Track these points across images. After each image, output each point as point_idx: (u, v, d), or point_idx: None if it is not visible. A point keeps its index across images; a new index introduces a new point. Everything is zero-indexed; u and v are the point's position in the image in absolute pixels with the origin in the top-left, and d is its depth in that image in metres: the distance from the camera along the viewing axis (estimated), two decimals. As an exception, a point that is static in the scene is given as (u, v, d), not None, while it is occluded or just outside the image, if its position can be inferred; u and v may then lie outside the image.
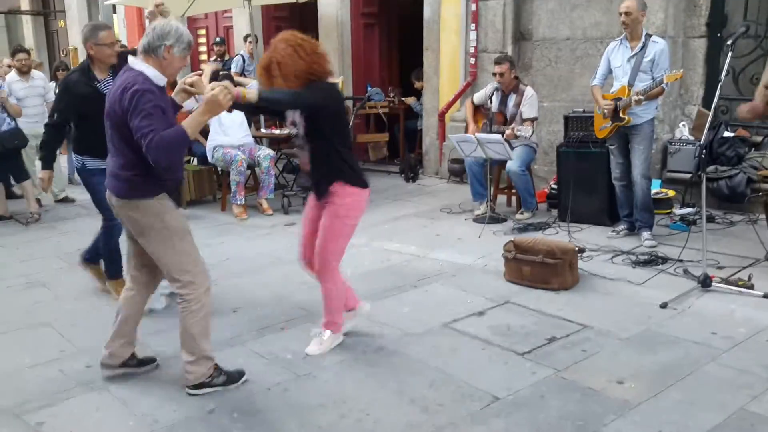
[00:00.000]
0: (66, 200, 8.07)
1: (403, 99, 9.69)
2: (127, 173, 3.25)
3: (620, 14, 5.35)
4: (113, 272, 4.76)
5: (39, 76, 7.89)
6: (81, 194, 5.38)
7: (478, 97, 6.82)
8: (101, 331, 4.19)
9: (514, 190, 6.71)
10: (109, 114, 3.21)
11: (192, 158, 8.12)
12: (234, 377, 3.49)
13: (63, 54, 7.79)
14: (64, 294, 4.95)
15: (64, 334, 4.23)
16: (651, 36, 5.43)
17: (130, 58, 3.26)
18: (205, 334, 3.42)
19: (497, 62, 6.48)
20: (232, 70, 8.90)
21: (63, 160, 8.72)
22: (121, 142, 3.21)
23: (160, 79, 3.21)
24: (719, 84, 4.47)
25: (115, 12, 13.14)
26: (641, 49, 5.37)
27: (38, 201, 7.56)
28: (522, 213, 6.46)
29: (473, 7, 7.89)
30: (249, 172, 7.34)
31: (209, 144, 7.24)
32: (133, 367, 3.67)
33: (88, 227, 4.75)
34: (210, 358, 3.44)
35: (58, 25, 16.64)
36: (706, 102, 6.52)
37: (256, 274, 5.32)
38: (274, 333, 4.14)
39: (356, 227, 3.79)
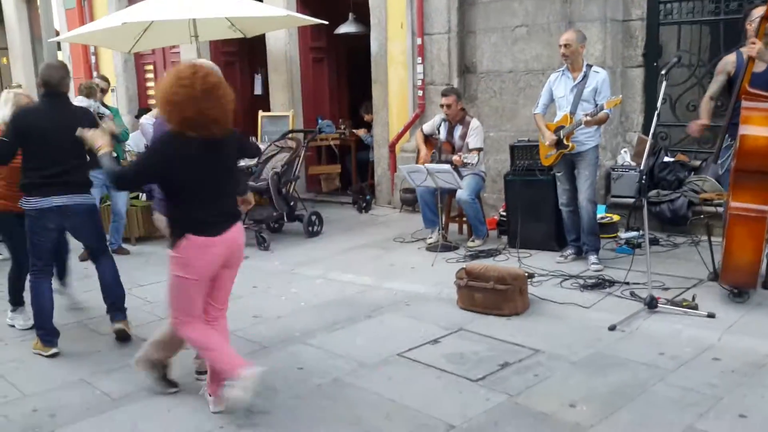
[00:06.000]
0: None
1: (353, 131, 9.78)
2: None
3: (560, 46, 5.54)
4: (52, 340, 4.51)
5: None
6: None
7: (427, 127, 6.95)
8: (47, 375, 4.10)
9: (464, 218, 6.81)
10: None
11: (140, 194, 8.00)
12: None
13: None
14: (7, 338, 4.80)
15: (9, 378, 4.09)
16: (592, 66, 5.62)
17: None
18: None
19: (444, 94, 6.62)
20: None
21: None
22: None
23: None
24: (656, 112, 4.66)
25: (60, 49, 12.98)
26: (582, 79, 5.55)
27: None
28: (473, 240, 6.55)
29: (419, 41, 8.05)
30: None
31: (158, 180, 7.15)
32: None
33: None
34: None
35: (0, 62, 16.32)
36: (646, 129, 6.75)
37: (208, 310, 5.24)
38: (226, 369, 4.08)
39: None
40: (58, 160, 4.33)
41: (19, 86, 9.08)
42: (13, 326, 4.97)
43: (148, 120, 7.30)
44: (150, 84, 11.74)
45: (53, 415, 3.58)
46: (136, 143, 8.04)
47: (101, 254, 4.70)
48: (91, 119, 4.61)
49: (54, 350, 4.40)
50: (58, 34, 12.38)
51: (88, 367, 4.19)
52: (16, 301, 4.99)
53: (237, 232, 3.52)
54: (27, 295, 4.73)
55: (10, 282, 4.94)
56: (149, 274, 6.18)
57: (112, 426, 3.46)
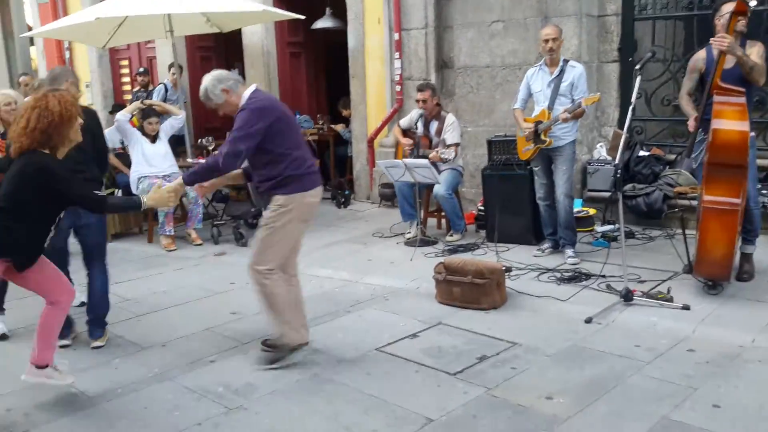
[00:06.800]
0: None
1: (331, 126, 9.74)
2: None
3: (546, 41, 5.53)
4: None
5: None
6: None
7: (404, 121, 6.96)
8: (22, 374, 4.02)
9: (443, 213, 6.82)
10: None
11: (116, 190, 7.93)
12: None
13: None
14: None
15: (-19, 378, 4.03)
16: (568, 61, 5.65)
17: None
18: None
19: (419, 89, 6.64)
20: (154, 98, 8.77)
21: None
22: None
23: None
24: (630, 107, 4.69)
25: (33, 44, 12.79)
26: (559, 73, 5.58)
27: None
28: (451, 235, 6.57)
29: (396, 36, 8.05)
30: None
31: (133, 175, 7.09)
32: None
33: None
34: None
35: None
36: (622, 123, 6.76)
37: (186, 306, 5.22)
38: (204, 366, 4.06)
39: None
40: (78, 159, 4.19)
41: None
42: None
43: (123, 116, 7.23)
44: (125, 80, 11.62)
45: (27, 414, 3.54)
46: (111, 139, 7.95)
47: (99, 261, 4.52)
48: (97, 120, 4.59)
49: (64, 342, 4.34)
50: (30, 29, 12.20)
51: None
52: None
53: None
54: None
55: None
56: (125, 272, 6.10)
57: (87, 424, 3.43)
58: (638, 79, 4.67)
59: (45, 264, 3.63)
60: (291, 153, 3.86)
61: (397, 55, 8.10)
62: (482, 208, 6.72)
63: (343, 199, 8.60)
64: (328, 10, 9.49)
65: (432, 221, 7.10)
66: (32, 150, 3.38)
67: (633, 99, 4.69)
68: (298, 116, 9.56)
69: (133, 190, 7.13)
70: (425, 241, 6.41)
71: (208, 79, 3.90)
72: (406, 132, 6.91)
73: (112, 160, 7.77)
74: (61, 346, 4.28)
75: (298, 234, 4.05)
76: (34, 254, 3.53)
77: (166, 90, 9.11)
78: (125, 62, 11.61)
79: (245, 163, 4.03)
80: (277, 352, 4.02)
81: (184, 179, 3.86)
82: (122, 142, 7.69)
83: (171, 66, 9.07)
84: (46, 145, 3.39)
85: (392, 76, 8.24)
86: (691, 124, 4.89)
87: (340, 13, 9.00)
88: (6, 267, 3.46)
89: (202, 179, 3.99)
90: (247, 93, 3.88)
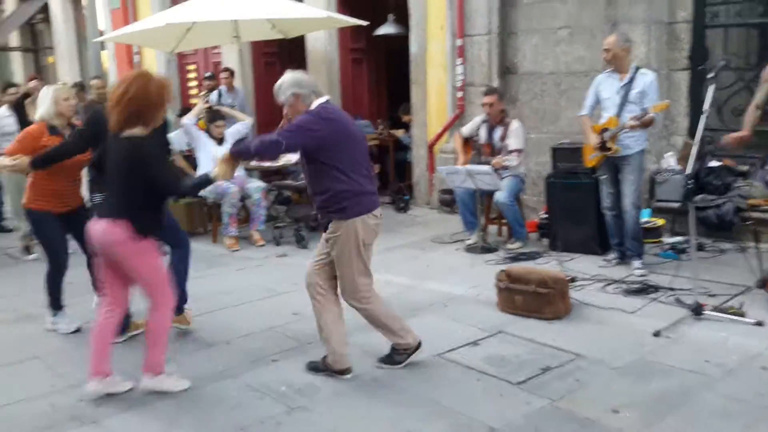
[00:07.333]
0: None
1: (391, 131, 9.77)
2: None
3: (603, 50, 5.48)
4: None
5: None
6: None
7: (466, 129, 6.91)
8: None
9: (504, 220, 6.76)
10: None
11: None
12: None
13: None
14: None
15: (55, 368, 4.18)
16: (639, 68, 5.53)
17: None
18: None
19: (486, 93, 6.59)
20: (211, 101, 8.95)
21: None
22: None
23: None
24: (703, 116, 4.54)
25: (104, 48, 13.24)
26: (630, 81, 5.47)
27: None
28: (513, 242, 6.50)
29: (459, 42, 8.02)
30: (241, 203, 7.36)
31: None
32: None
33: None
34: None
35: (46, 62, 16.70)
36: (691, 132, 6.61)
37: (248, 305, 5.30)
38: (266, 365, 4.12)
39: None
40: None
41: (65, 84, 9.24)
42: (54, 331, 4.82)
43: (189, 120, 7.40)
44: (192, 84, 11.91)
45: (99, 406, 3.65)
46: (178, 141, 8.15)
47: (174, 246, 4.73)
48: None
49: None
50: (102, 34, 12.63)
51: (134, 359, 4.24)
52: (56, 305, 4.83)
53: (93, 226, 3.67)
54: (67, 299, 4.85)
55: (48, 285, 4.77)
56: (191, 269, 6.21)
57: (153, 418, 3.52)
58: (712, 88, 4.53)
59: (161, 260, 3.82)
60: (349, 171, 3.72)
61: (459, 61, 8.07)
62: (545, 216, 6.63)
63: (402, 204, 8.61)
64: (390, 17, 9.54)
65: (493, 228, 7.04)
66: (130, 136, 3.54)
67: (706, 108, 4.55)
68: (359, 121, 9.62)
69: (201, 191, 7.27)
70: (486, 248, 6.36)
71: (288, 77, 3.83)
72: (468, 140, 6.86)
73: (180, 161, 7.99)
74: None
75: (369, 255, 3.93)
76: (154, 224, 3.71)
77: (220, 94, 9.31)
78: (192, 67, 11.91)
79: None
80: (399, 356, 4.03)
81: (230, 150, 3.83)
82: (189, 145, 7.87)
83: (223, 70, 9.30)
84: (138, 120, 3.54)
85: (454, 82, 8.21)
86: (734, 137, 4.71)
87: (403, 20, 9.03)
88: (128, 234, 3.55)
89: (240, 156, 3.90)
90: (316, 102, 3.78)
